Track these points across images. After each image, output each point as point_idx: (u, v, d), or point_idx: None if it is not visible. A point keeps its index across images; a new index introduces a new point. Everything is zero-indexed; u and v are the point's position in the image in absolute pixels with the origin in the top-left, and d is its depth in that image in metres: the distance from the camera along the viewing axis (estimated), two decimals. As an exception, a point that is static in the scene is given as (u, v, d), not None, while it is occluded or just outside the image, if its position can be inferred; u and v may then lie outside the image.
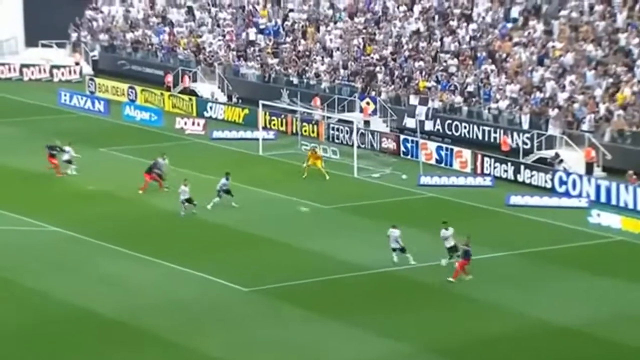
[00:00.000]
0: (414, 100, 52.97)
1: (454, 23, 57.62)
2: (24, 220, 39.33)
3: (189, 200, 39.84)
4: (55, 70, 67.44)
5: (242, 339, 29.28)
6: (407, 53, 56.83)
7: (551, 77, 50.98)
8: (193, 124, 55.44)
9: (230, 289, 32.87)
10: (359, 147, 48.70)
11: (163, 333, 29.42)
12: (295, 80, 58.91)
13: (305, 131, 53.35)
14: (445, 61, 55.24)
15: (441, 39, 56.83)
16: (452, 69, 54.56)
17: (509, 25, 55.84)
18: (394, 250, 34.75)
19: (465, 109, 52.27)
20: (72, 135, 49.93)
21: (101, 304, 31.39)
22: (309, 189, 44.30)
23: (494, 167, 46.58)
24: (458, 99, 52.72)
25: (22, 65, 67.73)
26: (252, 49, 63.29)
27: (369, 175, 46.68)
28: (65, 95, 61.02)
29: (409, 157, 49.56)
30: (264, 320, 30.70)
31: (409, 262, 34.58)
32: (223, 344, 28.91)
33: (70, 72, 67.56)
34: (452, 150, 48.58)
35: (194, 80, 62.41)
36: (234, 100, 59.64)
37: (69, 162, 45.91)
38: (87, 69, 68.37)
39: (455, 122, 51.59)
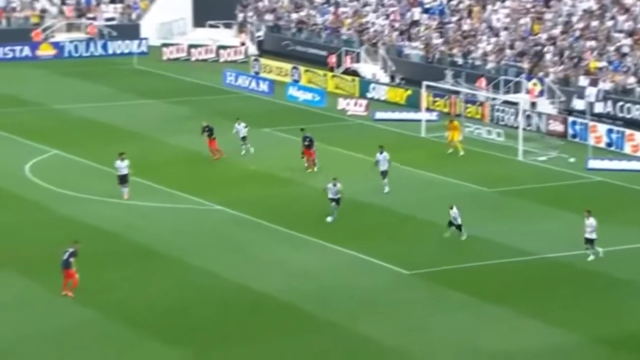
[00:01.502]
0: (583, 81, 51.28)
1: (628, 1, 55.34)
2: (189, 198, 39.89)
3: (337, 201, 37.38)
4: (221, 51, 68.37)
5: (404, 323, 28.92)
6: (577, 32, 54.96)
7: None
8: (355, 104, 55.20)
9: (392, 272, 32.51)
10: (524, 129, 47.45)
11: (326, 316, 29.24)
12: (460, 61, 57.85)
13: (469, 113, 52.36)
14: (619, 41, 53.18)
15: (614, 18, 54.69)
16: (625, 49, 52.47)
17: (687, 2, 53.34)
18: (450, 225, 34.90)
19: (638, 90, 50.19)
20: (237, 115, 50.41)
21: (264, 285, 31.41)
22: (472, 171, 43.39)
23: (668, 152, 44.68)
24: (631, 80, 50.67)
25: (190, 46, 68.94)
26: (416, 28, 62.53)
27: (534, 159, 45.42)
28: (230, 75, 61.77)
29: (577, 140, 47.99)
30: (425, 304, 30.32)
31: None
32: (386, 327, 28.56)
33: (235, 52, 68.37)
34: (623, 133, 46.81)
35: (357, 61, 62.15)
36: (397, 80, 59.07)
37: (244, 139, 45.52)
38: (253, 50, 69.01)
39: (628, 104, 49.62)
